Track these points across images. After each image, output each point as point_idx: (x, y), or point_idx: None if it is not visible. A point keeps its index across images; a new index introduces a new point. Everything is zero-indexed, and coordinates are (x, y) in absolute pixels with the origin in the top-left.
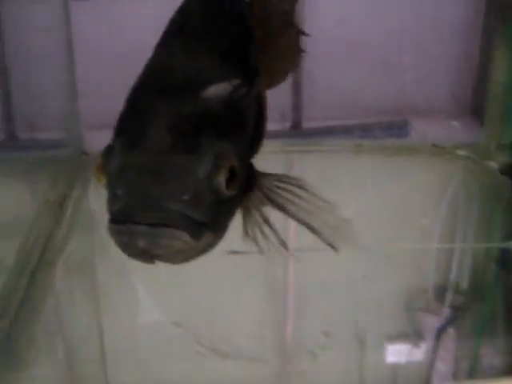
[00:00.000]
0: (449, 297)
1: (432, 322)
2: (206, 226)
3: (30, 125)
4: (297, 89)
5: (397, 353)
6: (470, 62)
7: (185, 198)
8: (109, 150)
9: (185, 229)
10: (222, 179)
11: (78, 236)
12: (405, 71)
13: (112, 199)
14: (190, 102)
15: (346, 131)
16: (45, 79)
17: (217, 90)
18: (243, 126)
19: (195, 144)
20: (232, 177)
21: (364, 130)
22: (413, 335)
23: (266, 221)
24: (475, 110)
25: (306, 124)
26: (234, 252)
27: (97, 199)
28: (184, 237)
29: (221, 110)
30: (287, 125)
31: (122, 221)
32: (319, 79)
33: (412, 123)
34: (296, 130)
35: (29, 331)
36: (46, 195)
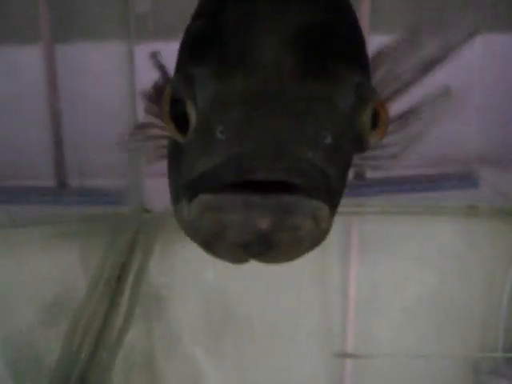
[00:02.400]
0: None
1: None
2: (334, 193)
3: (81, 173)
4: None
5: None
6: None
7: (325, 146)
8: (187, 80)
9: (324, 198)
10: (367, 119)
11: (138, 324)
12: (472, 119)
13: (203, 151)
14: (318, 14)
15: (412, 182)
16: (102, 126)
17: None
18: (367, 59)
19: (333, 67)
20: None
21: (430, 181)
22: None
23: None
24: None
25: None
26: None
27: (161, 269)
28: (324, 211)
29: (353, 33)
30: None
31: (232, 182)
32: None
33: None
34: (359, 180)
35: None
36: (101, 265)
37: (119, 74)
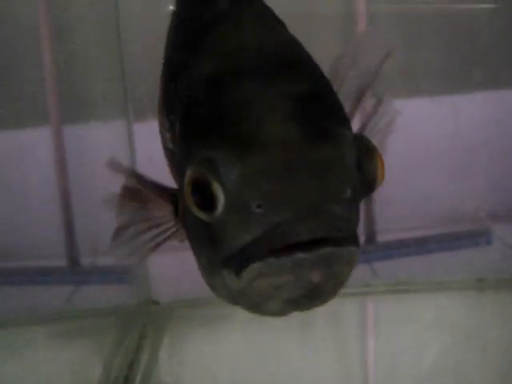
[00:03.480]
0: None
1: None
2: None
3: (93, 250)
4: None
5: None
6: None
7: (347, 199)
8: (209, 164)
9: (354, 242)
10: (376, 164)
11: None
12: (480, 176)
13: (241, 226)
14: (305, 84)
15: (423, 243)
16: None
17: (320, 70)
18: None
19: (334, 130)
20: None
21: (442, 241)
22: None
23: None
24: None
25: (380, 237)
26: None
27: (170, 366)
28: (357, 253)
29: (334, 91)
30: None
31: (281, 247)
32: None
33: (494, 230)
34: (370, 244)
35: None
36: (109, 363)
37: (120, 150)
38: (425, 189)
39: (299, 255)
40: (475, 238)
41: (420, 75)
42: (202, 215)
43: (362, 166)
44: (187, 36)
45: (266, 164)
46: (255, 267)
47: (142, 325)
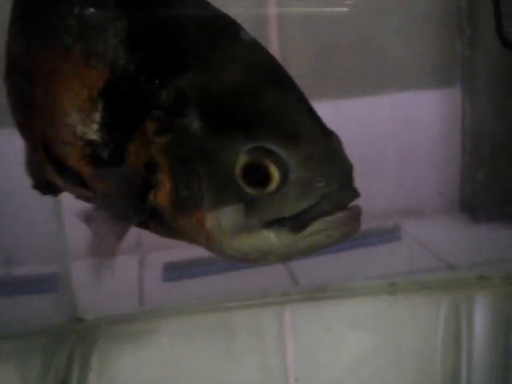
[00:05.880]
0: None
1: None
2: None
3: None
4: None
5: None
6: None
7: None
8: (268, 151)
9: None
10: None
11: None
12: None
13: (303, 194)
14: (300, 91)
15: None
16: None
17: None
18: None
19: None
20: None
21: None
22: None
23: None
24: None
25: None
26: None
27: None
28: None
29: None
30: None
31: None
32: None
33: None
34: None
35: None
36: None
37: None
38: None
39: (345, 213)
40: (384, 234)
41: None
42: (252, 191)
43: None
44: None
45: (313, 152)
46: (321, 222)
47: (70, 344)
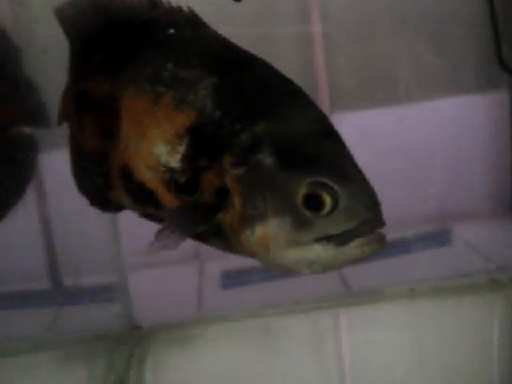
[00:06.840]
0: None
1: None
2: None
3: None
4: None
5: None
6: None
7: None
8: (324, 184)
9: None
10: None
11: None
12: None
13: (350, 218)
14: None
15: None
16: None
17: None
18: None
19: None
20: None
21: (402, 244)
22: None
23: None
24: None
25: None
26: None
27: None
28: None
29: None
30: None
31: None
32: None
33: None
34: None
35: None
36: None
37: None
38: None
39: (375, 235)
40: (434, 238)
41: None
42: (309, 213)
43: None
44: None
45: (356, 188)
46: (359, 240)
47: (128, 349)
